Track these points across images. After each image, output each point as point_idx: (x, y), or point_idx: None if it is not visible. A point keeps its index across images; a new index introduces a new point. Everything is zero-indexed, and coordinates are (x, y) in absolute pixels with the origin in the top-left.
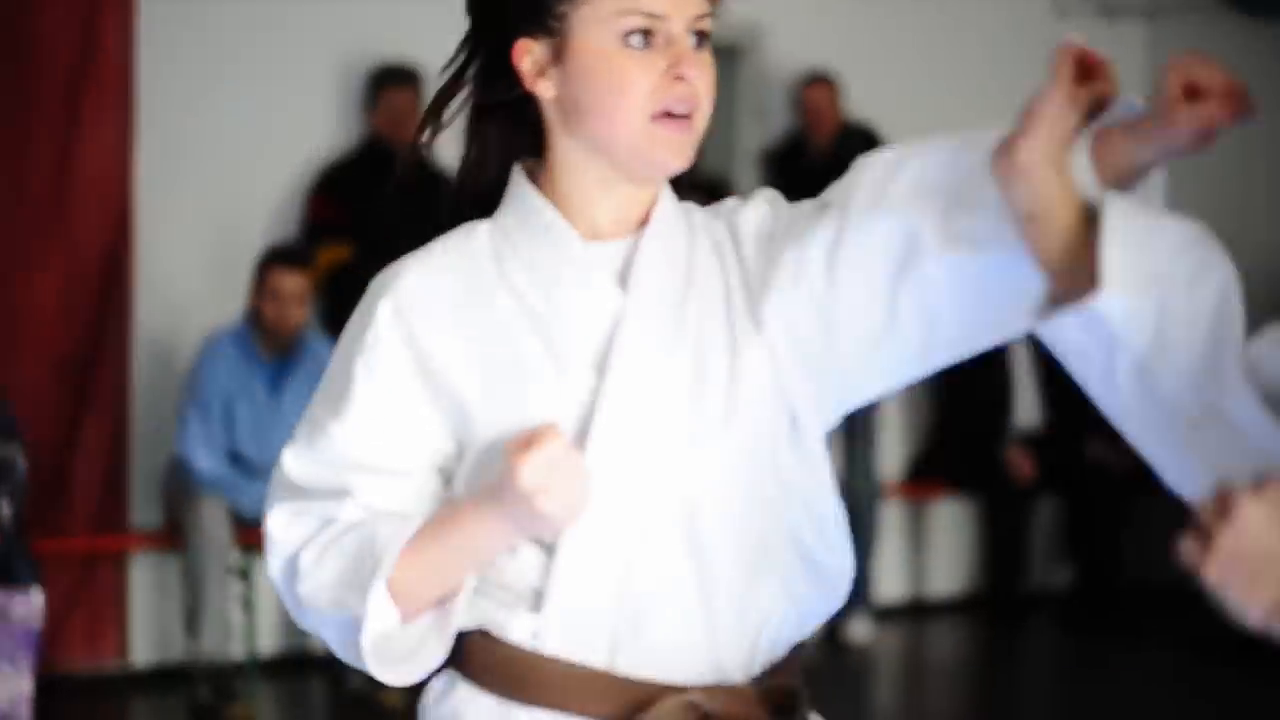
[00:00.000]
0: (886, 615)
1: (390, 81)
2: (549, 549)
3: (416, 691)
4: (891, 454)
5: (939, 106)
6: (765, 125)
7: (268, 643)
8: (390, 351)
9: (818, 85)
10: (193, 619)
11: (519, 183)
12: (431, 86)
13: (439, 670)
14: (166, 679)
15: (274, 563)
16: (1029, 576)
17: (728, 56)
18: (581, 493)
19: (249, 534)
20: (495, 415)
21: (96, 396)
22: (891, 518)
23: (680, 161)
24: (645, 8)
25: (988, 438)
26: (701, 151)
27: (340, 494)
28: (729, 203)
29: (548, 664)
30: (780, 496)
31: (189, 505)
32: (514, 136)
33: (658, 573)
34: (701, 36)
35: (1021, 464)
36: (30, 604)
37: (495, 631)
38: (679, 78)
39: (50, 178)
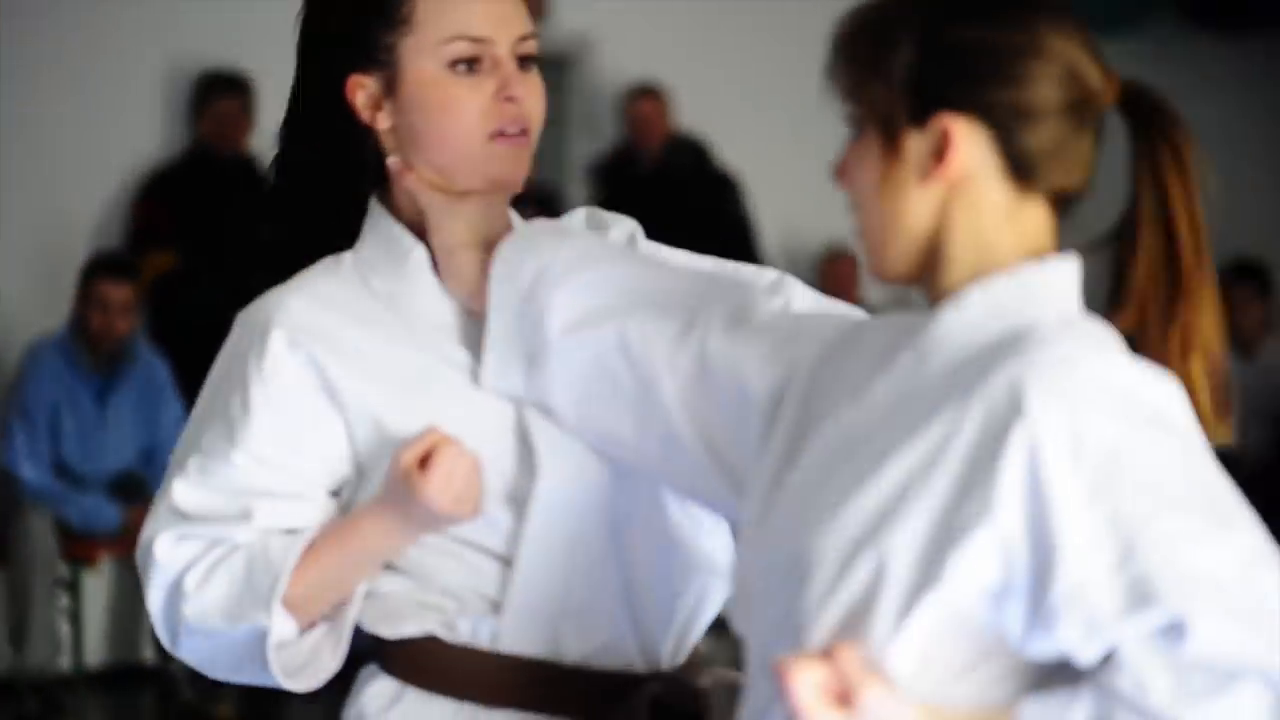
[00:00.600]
0: None
1: (218, 88)
2: (505, 561)
3: (253, 704)
4: None
5: (767, 116)
6: (595, 137)
7: (95, 656)
8: (293, 378)
9: (645, 97)
10: (18, 631)
11: (376, 214)
12: (259, 94)
13: (339, 680)
14: None
15: (156, 591)
16: None
17: (557, 68)
18: (476, 489)
19: (76, 546)
20: (410, 425)
21: None
22: None
23: (518, 175)
24: (469, 33)
25: None
26: (532, 163)
27: (239, 519)
28: (597, 219)
29: (508, 662)
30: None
31: (14, 517)
32: (354, 171)
33: (592, 580)
34: (526, 59)
35: None
36: None
37: (448, 638)
38: (509, 99)
39: None
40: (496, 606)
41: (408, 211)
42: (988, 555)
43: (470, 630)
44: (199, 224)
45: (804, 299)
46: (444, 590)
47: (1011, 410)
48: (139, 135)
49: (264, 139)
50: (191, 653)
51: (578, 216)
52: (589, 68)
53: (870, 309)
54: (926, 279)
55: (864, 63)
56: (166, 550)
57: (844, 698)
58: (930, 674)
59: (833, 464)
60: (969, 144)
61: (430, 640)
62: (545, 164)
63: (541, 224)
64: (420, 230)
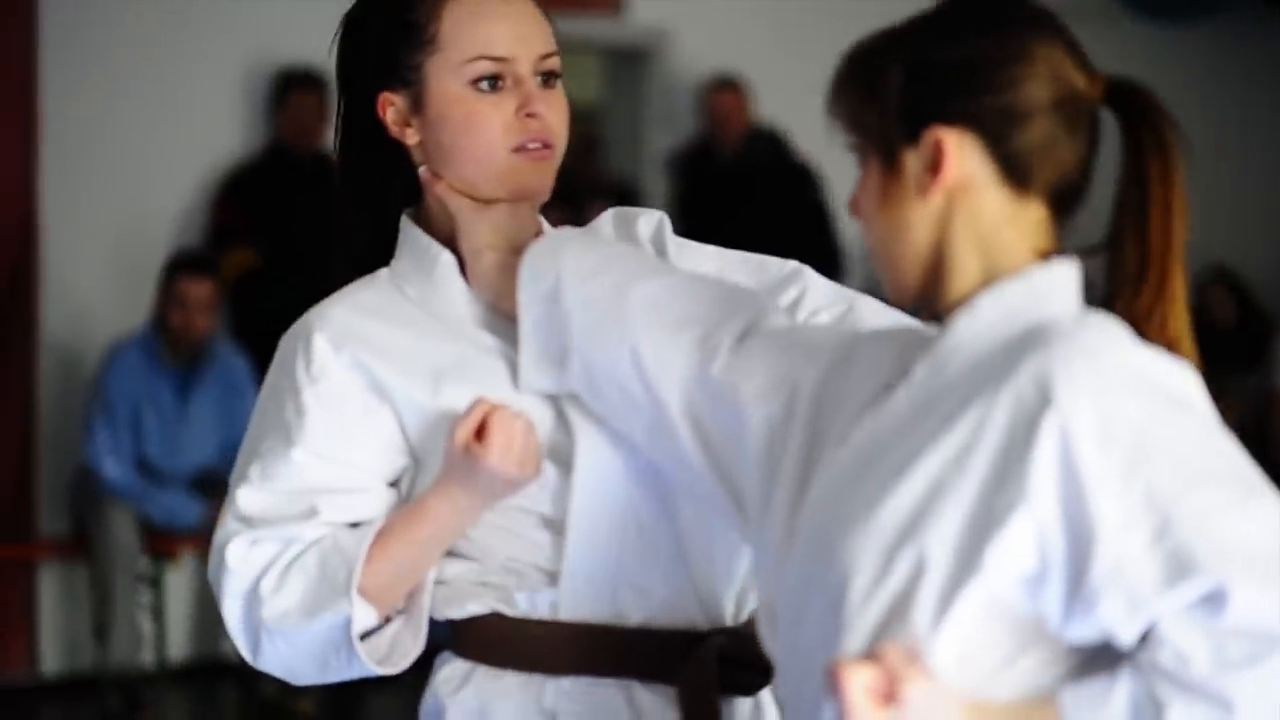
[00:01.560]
0: None
1: (296, 85)
2: (558, 530)
3: (334, 699)
4: None
5: None
6: (673, 130)
7: (178, 651)
8: (340, 379)
9: (725, 89)
10: (102, 628)
11: (408, 229)
12: (335, 91)
13: (417, 672)
14: (76, 688)
15: (232, 600)
16: None
17: (634, 61)
18: (535, 448)
19: (158, 541)
20: (455, 408)
21: (1, 406)
22: None
23: (543, 186)
24: (491, 53)
25: None
26: (610, 156)
27: (305, 517)
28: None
29: (569, 630)
30: None
31: (97, 514)
32: (389, 188)
33: (645, 544)
34: (549, 75)
35: None
36: None
37: (510, 613)
38: (530, 115)
39: None
40: (554, 577)
41: (439, 224)
42: (1025, 542)
43: (529, 603)
44: (278, 221)
45: (819, 290)
46: (503, 567)
47: (1041, 401)
48: (218, 133)
49: None
50: (273, 659)
51: (606, 220)
52: (666, 61)
53: None
54: (937, 290)
55: (859, 95)
56: (240, 557)
57: (891, 696)
58: (973, 668)
59: (857, 475)
60: (961, 153)
61: (494, 617)
62: (624, 157)
63: (569, 231)
64: (451, 242)
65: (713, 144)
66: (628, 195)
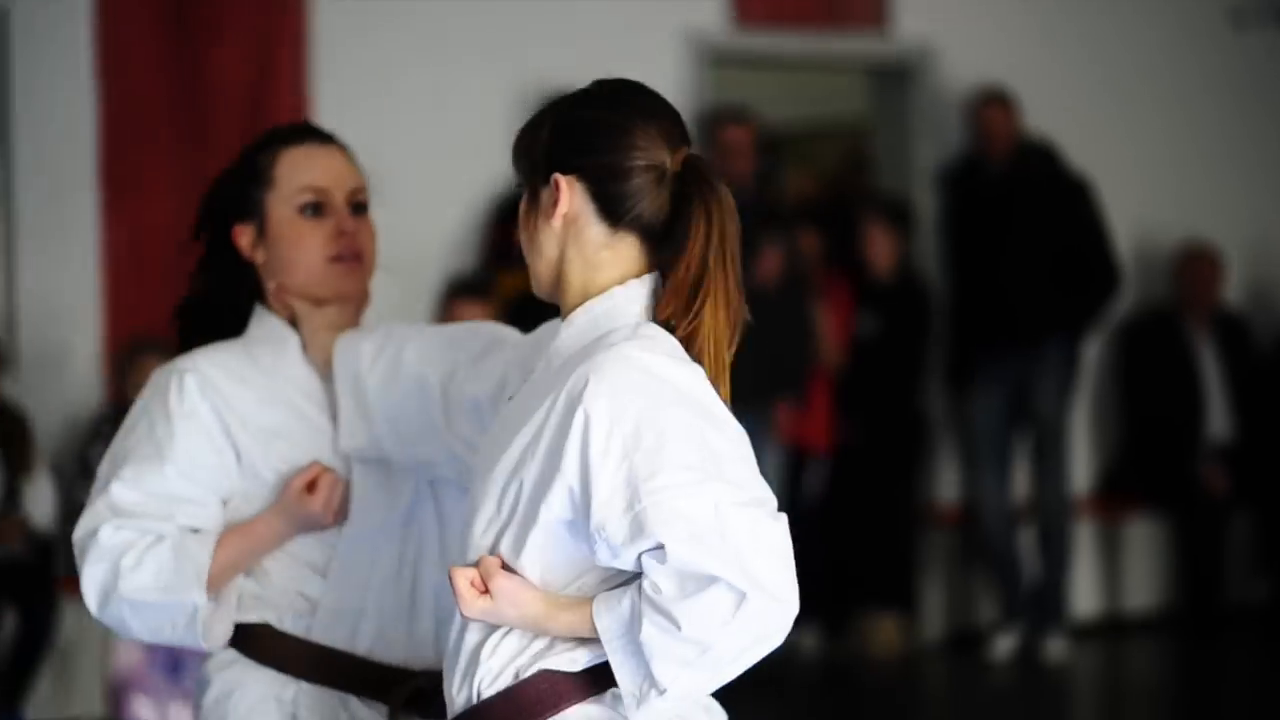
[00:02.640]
0: (1082, 634)
1: None
2: (323, 571)
3: None
4: (1082, 471)
5: (1116, 119)
6: (941, 144)
7: None
8: (203, 419)
9: (993, 102)
10: None
11: (263, 314)
12: None
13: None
14: None
15: (93, 567)
16: (1226, 591)
17: (901, 77)
18: (345, 502)
19: None
20: (273, 461)
21: None
22: (1084, 535)
23: (357, 289)
24: (312, 185)
25: (1179, 452)
26: (879, 172)
27: (163, 518)
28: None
29: (318, 650)
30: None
31: None
32: (237, 288)
33: (383, 594)
34: (359, 205)
35: (1215, 478)
36: None
37: (277, 626)
38: (342, 233)
39: None
40: (314, 606)
41: (282, 313)
42: (562, 500)
43: (292, 623)
44: None
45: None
46: (280, 590)
47: (577, 398)
48: (490, 155)
49: None
50: (114, 618)
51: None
52: (933, 75)
53: (1229, 308)
54: (560, 296)
55: (527, 142)
56: (108, 536)
57: (485, 589)
58: (551, 581)
59: (493, 442)
60: (572, 192)
61: (264, 626)
62: (892, 173)
63: (360, 333)
64: (291, 324)
65: (982, 158)
66: (898, 211)
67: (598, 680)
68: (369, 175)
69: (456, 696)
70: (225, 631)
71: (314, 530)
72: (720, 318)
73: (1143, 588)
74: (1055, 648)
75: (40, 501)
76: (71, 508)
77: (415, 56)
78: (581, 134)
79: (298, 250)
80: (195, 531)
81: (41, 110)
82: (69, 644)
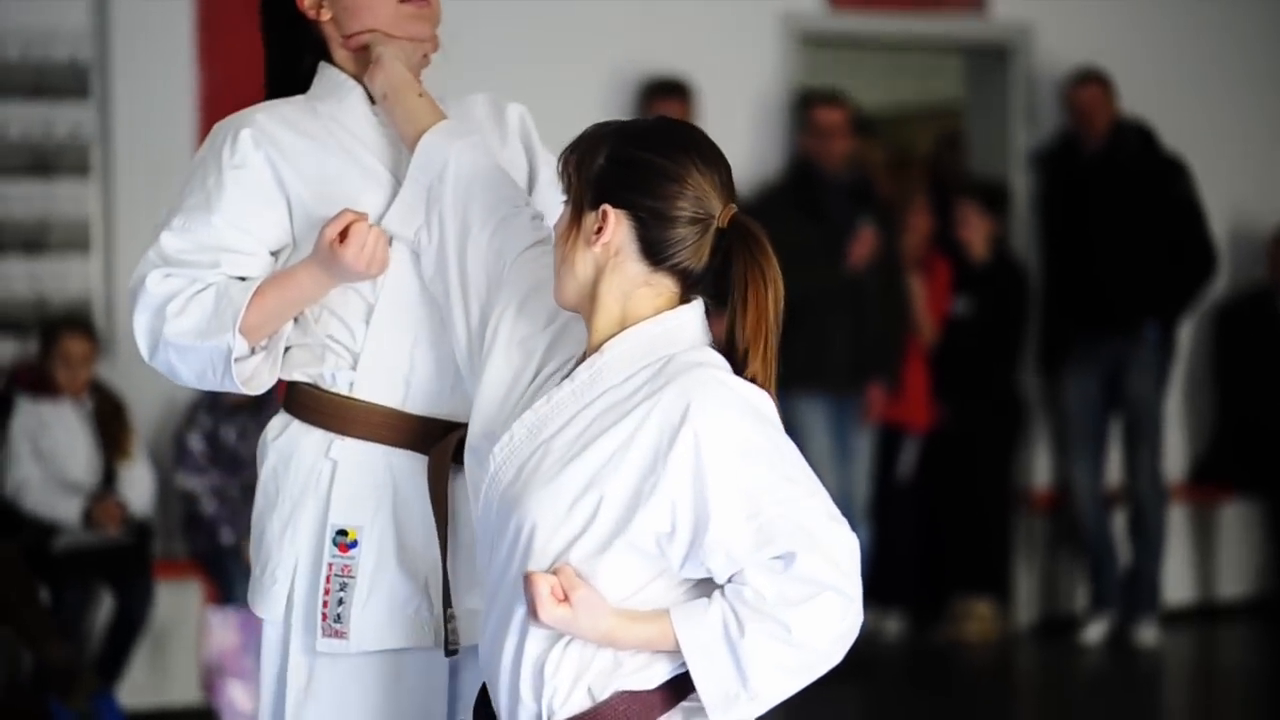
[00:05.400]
0: (1174, 619)
1: (661, 94)
2: (365, 323)
3: None
4: (1175, 456)
5: (1211, 101)
6: (1037, 126)
7: None
8: (255, 170)
9: (1089, 83)
10: None
11: (326, 69)
12: (700, 99)
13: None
14: None
15: (142, 314)
16: None
17: (997, 58)
18: (383, 253)
19: None
20: (329, 209)
21: None
22: (1177, 521)
23: (425, 32)
24: None
25: (1275, 437)
26: (974, 153)
27: (209, 266)
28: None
29: (361, 406)
30: None
31: None
32: (299, 52)
33: (431, 350)
34: None
35: None
36: None
37: (322, 385)
38: None
39: None
40: (356, 360)
41: (348, 68)
42: (661, 512)
43: (333, 379)
44: None
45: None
46: (326, 347)
47: (681, 418)
48: None
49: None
50: (163, 362)
51: (479, 101)
52: (1029, 57)
53: None
54: (587, 314)
55: (577, 161)
56: (155, 283)
57: (565, 598)
58: (619, 589)
59: (531, 449)
60: (619, 227)
61: (310, 386)
62: (988, 155)
63: (458, 126)
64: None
65: (1077, 139)
66: (993, 192)
67: (674, 693)
68: None
69: (518, 709)
70: (269, 378)
71: (353, 280)
72: (758, 374)
73: (1235, 574)
74: (1147, 634)
75: (137, 485)
76: (168, 492)
77: (512, 47)
78: (637, 172)
79: None
80: (242, 281)
81: (141, 96)
82: (164, 628)
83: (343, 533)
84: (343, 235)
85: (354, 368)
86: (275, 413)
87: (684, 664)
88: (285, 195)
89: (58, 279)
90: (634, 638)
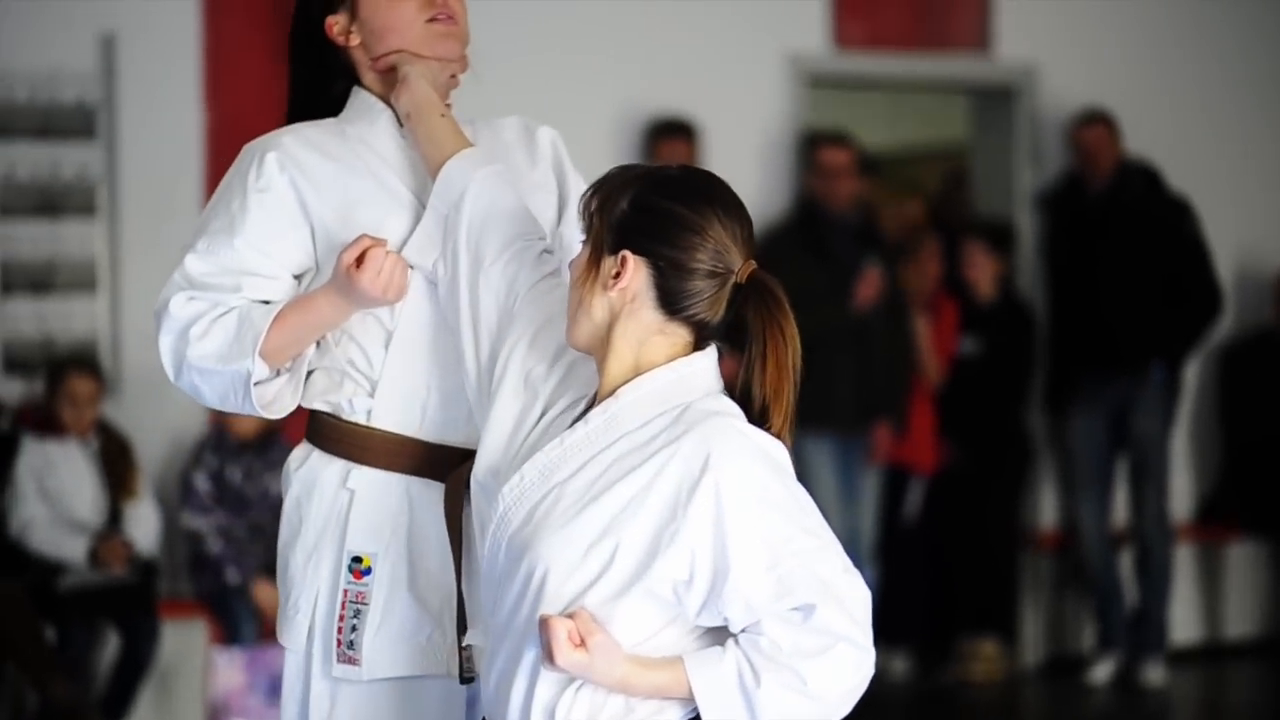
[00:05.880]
0: (1181, 658)
1: (667, 134)
2: (384, 354)
3: None
4: (1182, 496)
5: (1217, 141)
6: (1042, 166)
7: None
8: (279, 194)
9: (1094, 124)
10: None
11: (359, 94)
12: (706, 138)
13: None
14: None
15: (166, 336)
16: None
17: (1002, 98)
18: (401, 278)
19: None
20: (353, 233)
21: None
22: (1184, 560)
23: (454, 51)
24: None
25: None
26: (980, 193)
27: (232, 290)
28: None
29: (379, 435)
30: None
31: None
32: (328, 79)
33: (446, 378)
34: None
35: None
36: None
37: (341, 414)
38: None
39: None
40: (374, 388)
41: (376, 89)
42: (681, 560)
43: (351, 408)
44: None
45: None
46: (340, 370)
47: (703, 466)
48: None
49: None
50: (187, 384)
51: (511, 125)
52: (1034, 97)
53: None
54: (599, 357)
55: (599, 203)
56: (179, 306)
57: (581, 642)
58: (632, 634)
59: (542, 493)
60: (637, 274)
61: (330, 417)
62: (993, 195)
63: (477, 152)
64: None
65: (1083, 179)
66: (999, 232)
67: None
68: None
69: None
70: (290, 401)
71: (371, 305)
72: (778, 427)
73: (1242, 614)
74: (1154, 674)
75: (143, 524)
76: (174, 531)
77: (518, 86)
78: (660, 220)
79: (393, 15)
80: (265, 304)
81: (148, 133)
82: (169, 668)
83: (358, 559)
84: (360, 260)
85: (372, 394)
86: (280, 453)
87: (695, 710)
88: (309, 219)
89: (64, 319)
90: (648, 684)
